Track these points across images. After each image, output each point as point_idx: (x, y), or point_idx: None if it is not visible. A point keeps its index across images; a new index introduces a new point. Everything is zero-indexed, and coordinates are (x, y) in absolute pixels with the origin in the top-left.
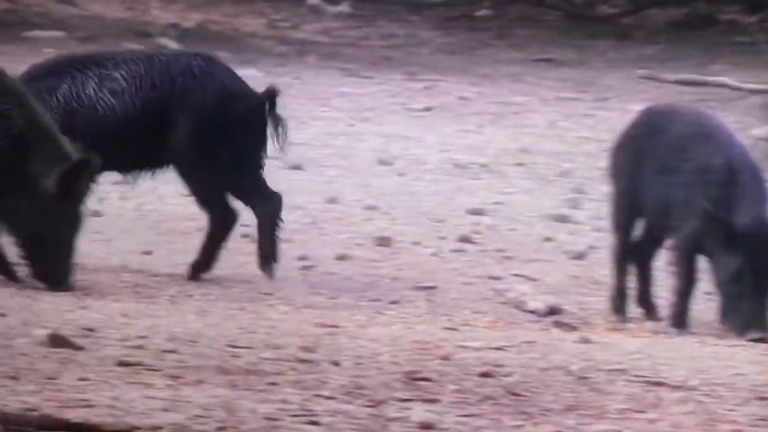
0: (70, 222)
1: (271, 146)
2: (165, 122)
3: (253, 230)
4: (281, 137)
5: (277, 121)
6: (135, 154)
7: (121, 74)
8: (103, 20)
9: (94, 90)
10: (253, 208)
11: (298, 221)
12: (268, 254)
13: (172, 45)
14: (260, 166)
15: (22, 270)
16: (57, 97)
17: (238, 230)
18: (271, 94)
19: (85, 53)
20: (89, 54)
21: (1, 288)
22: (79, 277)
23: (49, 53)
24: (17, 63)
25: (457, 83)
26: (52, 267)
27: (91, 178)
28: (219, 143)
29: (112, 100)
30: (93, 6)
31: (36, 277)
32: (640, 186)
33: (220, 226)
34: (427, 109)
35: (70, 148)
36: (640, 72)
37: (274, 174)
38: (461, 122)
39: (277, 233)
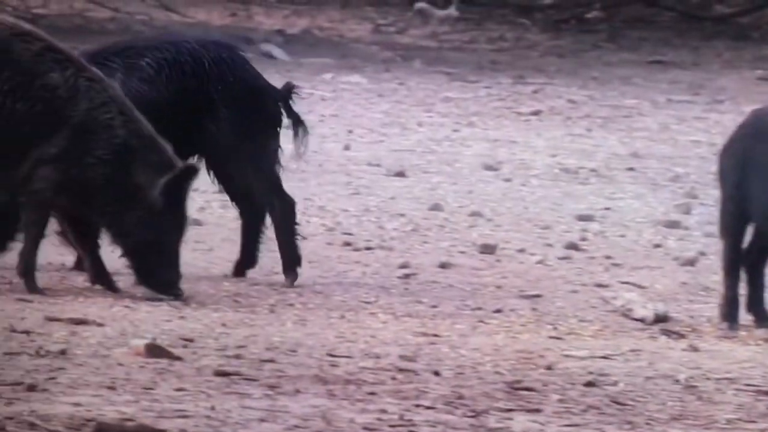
0: (175, 229)
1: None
2: (198, 112)
3: (354, 239)
4: (300, 137)
5: (296, 120)
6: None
7: (147, 62)
8: (206, 27)
9: (121, 80)
10: (270, 207)
11: (399, 229)
12: (291, 258)
13: (277, 51)
14: (279, 164)
15: (127, 279)
16: None
17: (339, 238)
18: (289, 90)
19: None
20: (111, 45)
21: (99, 298)
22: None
23: None
24: None
25: (566, 86)
26: (161, 275)
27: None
28: (252, 135)
29: (144, 88)
30: (196, 13)
31: (145, 285)
32: (747, 191)
33: (255, 218)
34: (535, 113)
35: (173, 155)
36: (758, 73)
37: (375, 180)
38: (570, 126)
39: (296, 236)
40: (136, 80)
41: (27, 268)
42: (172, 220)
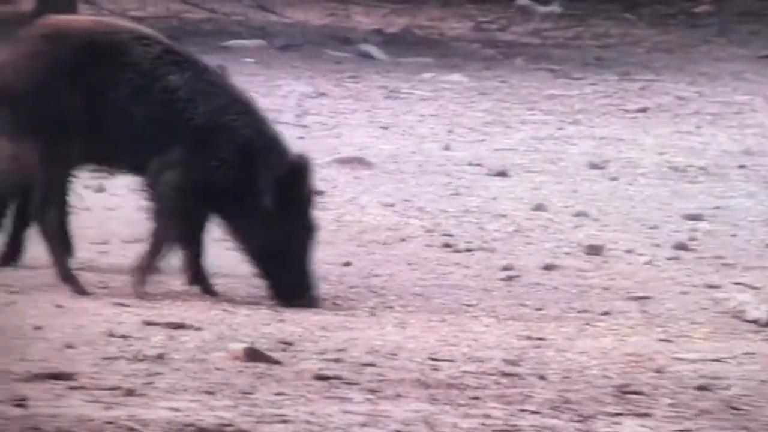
0: (302, 232)
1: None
2: None
3: (454, 240)
4: None
5: None
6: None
7: None
8: (304, 27)
9: None
10: None
11: (501, 230)
12: None
13: (375, 51)
14: None
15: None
16: None
17: (439, 239)
18: None
19: None
20: None
21: (197, 301)
22: None
23: (248, 63)
24: None
25: (674, 83)
26: (291, 282)
27: (309, 184)
28: None
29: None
30: (294, 13)
31: (273, 293)
32: None
33: None
34: (642, 110)
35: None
36: None
37: (476, 180)
38: (678, 123)
39: None
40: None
41: (146, 271)
42: (295, 223)
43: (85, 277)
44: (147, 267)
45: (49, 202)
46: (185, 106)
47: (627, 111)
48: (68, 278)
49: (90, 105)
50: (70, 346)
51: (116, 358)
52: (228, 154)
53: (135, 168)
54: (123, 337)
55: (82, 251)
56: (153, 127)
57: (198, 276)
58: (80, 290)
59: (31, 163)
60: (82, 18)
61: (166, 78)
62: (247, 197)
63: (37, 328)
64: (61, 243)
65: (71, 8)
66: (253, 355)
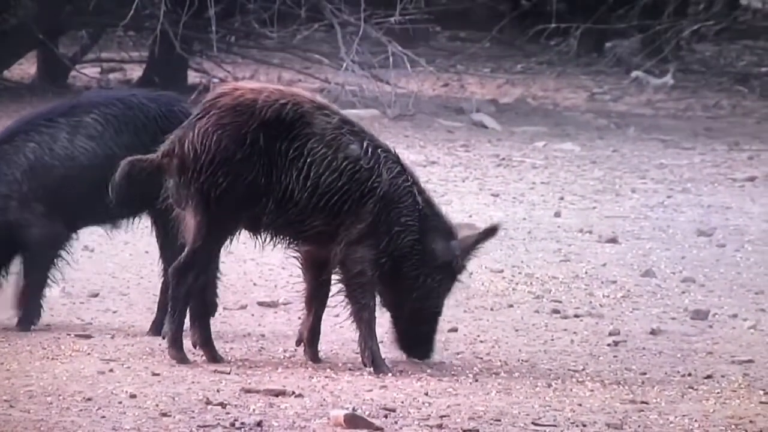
0: (446, 293)
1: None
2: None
3: (563, 306)
4: None
5: None
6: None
7: (93, 119)
8: (417, 97)
9: (66, 140)
10: None
11: (610, 295)
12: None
13: (488, 120)
14: None
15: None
16: (26, 155)
17: (547, 305)
18: None
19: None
20: (54, 106)
21: (298, 368)
22: (382, 356)
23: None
24: None
25: None
26: (424, 339)
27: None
28: None
29: (90, 146)
30: (408, 83)
31: (404, 349)
32: None
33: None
34: (750, 178)
35: (448, 220)
36: None
37: (586, 247)
38: None
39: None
40: (83, 137)
41: (374, 355)
42: (451, 283)
43: (186, 345)
44: (372, 351)
45: (194, 269)
46: (369, 174)
47: (735, 180)
48: (176, 343)
49: (274, 175)
50: (165, 414)
51: (213, 426)
52: (409, 219)
53: (312, 237)
54: (221, 404)
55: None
56: (337, 197)
57: (311, 338)
58: (184, 359)
59: (195, 229)
60: (263, 87)
61: (348, 148)
62: (424, 262)
63: (132, 396)
64: (184, 309)
65: (182, 77)
66: (355, 421)
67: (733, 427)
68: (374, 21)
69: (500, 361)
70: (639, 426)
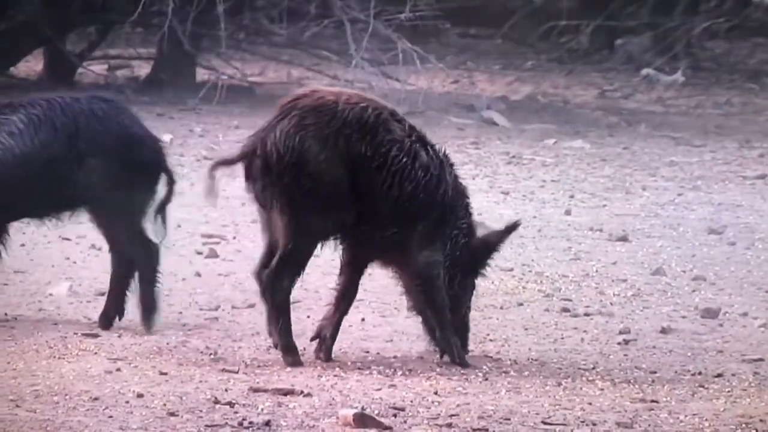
0: (471, 293)
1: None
2: (71, 164)
3: (573, 305)
4: (168, 188)
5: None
6: (42, 198)
7: (18, 118)
8: (427, 94)
9: None
10: (137, 257)
11: (621, 294)
12: (148, 305)
13: (498, 117)
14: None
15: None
16: None
17: (557, 304)
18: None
19: None
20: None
21: (307, 367)
22: (391, 354)
23: None
24: None
25: None
26: (464, 337)
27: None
28: (118, 184)
29: (11, 142)
30: (417, 80)
31: (449, 349)
32: None
33: (123, 268)
34: (761, 176)
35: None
36: None
37: (596, 245)
38: None
39: (156, 283)
40: (5, 134)
41: (458, 353)
42: (472, 284)
43: (193, 344)
44: (453, 348)
45: (288, 272)
46: (439, 180)
47: (746, 177)
48: (290, 349)
49: (356, 180)
50: (173, 414)
51: (221, 426)
52: (464, 221)
53: (388, 244)
54: (229, 404)
55: (191, 317)
56: (414, 203)
57: (332, 335)
58: (297, 362)
59: (285, 231)
60: (343, 91)
61: (420, 155)
62: (467, 260)
63: (139, 395)
64: (288, 314)
65: (190, 74)
66: (364, 420)
67: (743, 426)
68: (384, 17)
69: (510, 359)
70: (649, 425)
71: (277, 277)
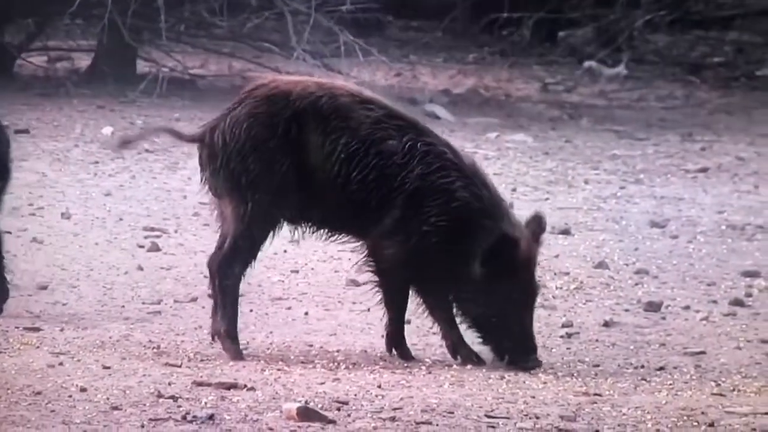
0: (522, 295)
1: None
2: None
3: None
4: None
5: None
6: None
7: None
8: (371, 87)
9: None
10: None
11: (563, 287)
12: None
13: (441, 111)
14: None
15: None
16: None
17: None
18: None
19: None
20: None
21: (251, 362)
22: (335, 348)
23: None
24: None
25: (735, 144)
26: (509, 344)
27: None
28: None
29: None
30: (360, 73)
31: (496, 355)
32: None
33: None
34: (703, 169)
35: (516, 221)
36: None
37: None
38: (737, 183)
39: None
40: None
41: (460, 344)
42: (512, 288)
43: (136, 338)
44: (395, 335)
45: (238, 260)
46: (400, 171)
47: (688, 171)
48: (231, 337)
49: (306, 168)
50: (116, 408)
51: (165, 420)
52: (440, 219)
53: (349, 231)
54: (172, 398)
55: (134, 311)
56: (367, 192)
57: (397, 340)
58: (238, 353)
59: (234, 218)
60: (306, 79)
61: (384, 143)
62: (461, 263)
63: (82, 389)
64: (235, 302)
65: (131, 66)
66: (307, 414)
67: (685, 418)
68: (325, 10)
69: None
70: (592, 418)
71: (227, 264)
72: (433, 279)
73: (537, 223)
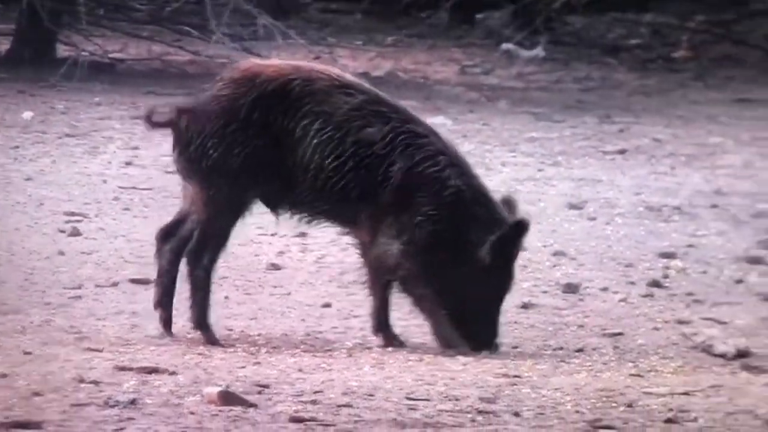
0: (502, 285)
1: None
2: None
3: None
4: None
5: None
6: None
7: None
8: None
9: None
10: None
11: None
12: None
13: None
14: None
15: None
16: None
17: None
18: None
19: None
20: None
21: (171, 346)
22: (256, 332)
23: None
24: None
25: (652, 125)
26: (481, 332)
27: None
28: None
29: None
30: (279, 56)
31: (463, 342)
32: None
33: None
34: (621, 151)
35: (504, 212)
36: None
37: None
38: (654, 164)
39: None
40: None
41: (454, 340)
42: (497, 277)
43: (57, 323)
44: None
45: (208, 248)
46: (383, 160)
47: (605, 153)
48: (203, 327)
49: (274, 153)
50: (37, 394)
51: (86, 405)
52: (432, 208)
53: (328, 218)
54: (94, 383)
55: (55, 296)
56: (343, 182)
57: (383, 326)
58: (213, 341)
59: (199, 205)
60: (283, 63)
61: (363, 131)
62: (452, 251)
63: (3, 375)
64: (207, 291)
65: (50, 50)
66: (228, 398)
67: (604, 399)
68: None
69: (373, 336)
70: (512, 399)
71: (196, 253)
72: (426, 271)
73: (512, 207)
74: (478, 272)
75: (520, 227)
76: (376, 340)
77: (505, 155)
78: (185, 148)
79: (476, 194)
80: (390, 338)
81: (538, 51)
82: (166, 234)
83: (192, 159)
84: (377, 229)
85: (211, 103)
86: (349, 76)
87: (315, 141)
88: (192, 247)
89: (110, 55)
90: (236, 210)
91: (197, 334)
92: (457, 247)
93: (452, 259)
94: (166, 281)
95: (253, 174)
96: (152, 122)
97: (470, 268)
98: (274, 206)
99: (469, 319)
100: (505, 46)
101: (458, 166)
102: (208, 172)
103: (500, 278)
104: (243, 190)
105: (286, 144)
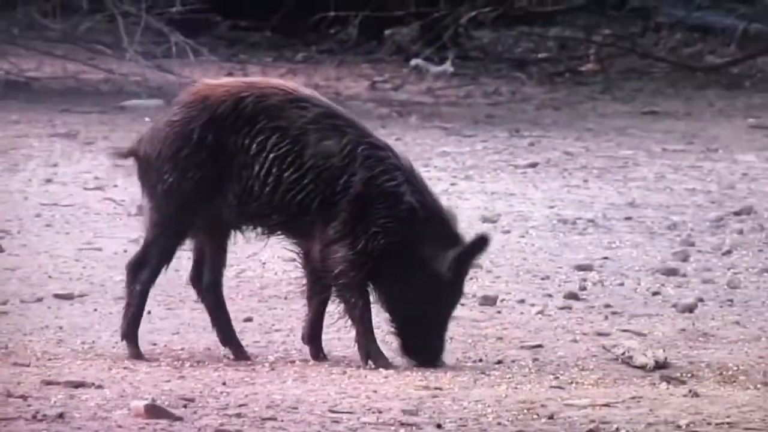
0: (451, 300)
1: None
2: None
3: None
4: None
5: None
6: None
7: None
8: None
9: None
10: None
11: None
12: None
13: None
14: None
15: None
16: None
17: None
18: None
19: None
20: None
21: (98, 360)
22: (179, 347)
23: (147, 122)
24: (115, 132)
25: (562, 138)
26: (428, 346)
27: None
28: None
29: None
30: (192, 73)
31: (407, 353)
32: None
33: None
34: (532, 165)
35: (457, 227)
36: (750, 121)
37: None
38: (567, 177)
39: None
40: None
41: (374, 353)
42: (450, 291)
43: None
44: (370, 347)
45: (149, 265)
46: (341, 173)
47: (517, 166)
48: (130, 340)
49: (230, 173)
50: None
51: (14, 419)
52: (388, 222)
53: (284, 233)
54: (21, 397)
55: None
56: (303, 194)
57: (314, 337)
58: (137, 355)
59: (149, 224)
60: (233, 81)
61: (320, 143)
62: (406, 265)
63: None
64: (141, 306)
65: None
66: (155, 412)
67: (525, 411)
68: (156, 11)
69: (296, 349)
70: (434, 412)
71: (138, 267)
72: (373, 282)
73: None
74: (429, 286)
75: (482, 242)
76: (297, 355)
77: (418, 170)
78: (144, 173)
79: (430, 211)
80: (317, 350)
81: (447, 66)
82: (195, 278)
83: (150, 184)
84: (329, 236)
85: (166, 128)
86: (304, 90)
87: (272, 155)
88: (134, 261)
89: (26, 74)
90: (184, 232)
91: (122, 348)
92: (410, 261)
93: (404, 273)
94: (222, 315)
95: (207, 196)
96: (118, 156)
97: (422, 282)
98: (228, 224)
99: (416, 333)
100: (414, 61)
101: (413, 182)
102: (163, 195)
103: (451, 293)
104: (193, 213)
105: (241, 161)
